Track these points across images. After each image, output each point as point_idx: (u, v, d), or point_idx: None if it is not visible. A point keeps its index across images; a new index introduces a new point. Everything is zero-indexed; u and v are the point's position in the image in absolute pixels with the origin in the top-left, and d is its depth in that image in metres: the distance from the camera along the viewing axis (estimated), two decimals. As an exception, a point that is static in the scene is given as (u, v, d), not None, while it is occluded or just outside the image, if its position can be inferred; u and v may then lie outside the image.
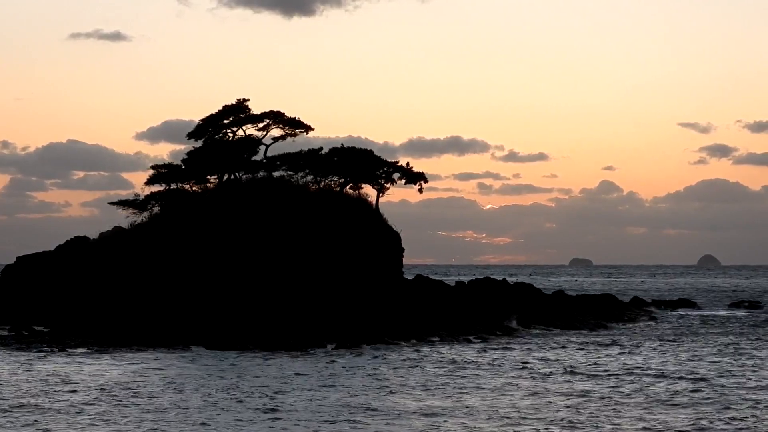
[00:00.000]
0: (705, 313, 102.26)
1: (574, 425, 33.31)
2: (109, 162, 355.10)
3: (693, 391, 41.09)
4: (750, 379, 44.86)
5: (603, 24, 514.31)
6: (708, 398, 38.91)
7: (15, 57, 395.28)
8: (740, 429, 32.83)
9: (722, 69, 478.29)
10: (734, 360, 54.01)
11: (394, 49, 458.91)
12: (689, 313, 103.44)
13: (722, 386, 42.59)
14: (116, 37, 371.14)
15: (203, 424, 33.55)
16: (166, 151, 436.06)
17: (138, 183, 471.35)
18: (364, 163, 75.52)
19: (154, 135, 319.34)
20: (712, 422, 33.75)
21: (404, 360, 52.55)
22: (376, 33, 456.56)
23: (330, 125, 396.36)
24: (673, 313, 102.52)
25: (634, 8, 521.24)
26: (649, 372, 47.91)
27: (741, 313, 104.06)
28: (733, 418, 34.51)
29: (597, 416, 34.77)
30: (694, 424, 33.48)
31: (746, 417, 34.73)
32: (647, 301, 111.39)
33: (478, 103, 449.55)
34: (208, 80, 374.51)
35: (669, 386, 42.56)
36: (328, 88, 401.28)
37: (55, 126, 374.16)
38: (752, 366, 50.56)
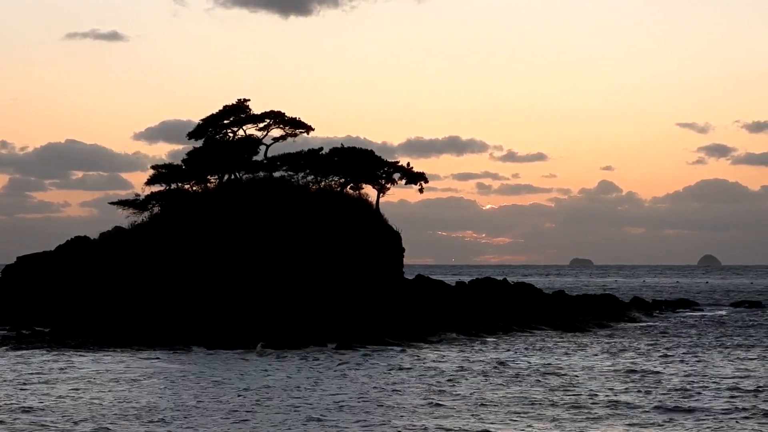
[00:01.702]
0: (705, 314, 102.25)
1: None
2: (107, 162, 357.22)
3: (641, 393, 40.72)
4: (729, 383, 44.11)
5: (601, 24, 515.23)
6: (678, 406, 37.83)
7: (12, 57, 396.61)
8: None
9: (720, 69, 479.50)
10: (720, 362, 53.78)
11: (392, 49, 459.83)
12: (689, 313, 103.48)
13: (688, 389, 42.03)
14: (113, 37, 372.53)
15: (192, 420, 33.61)
16: (164, 151, 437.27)
17: (137, 183, 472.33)
18: (364, 163, 75.70)
19: (152, 135, 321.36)
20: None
21: (402, 361, 52.59)
22: (373, 33, 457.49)
23: (328, 125, 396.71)
24: (674, 313, 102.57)
25: (632, 9, 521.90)
26: (600, 372, 47.74)
27: (741, 313, 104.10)
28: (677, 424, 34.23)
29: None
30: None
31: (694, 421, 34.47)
32: (648, 302, 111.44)
33: (477, 103, 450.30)
34: (206, 80, 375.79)
35: (623, 388, 42.32)
36: (326, 88, 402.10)
37: (54, 126, 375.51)
38: (740, 369, 50.00)
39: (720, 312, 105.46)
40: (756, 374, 47.74)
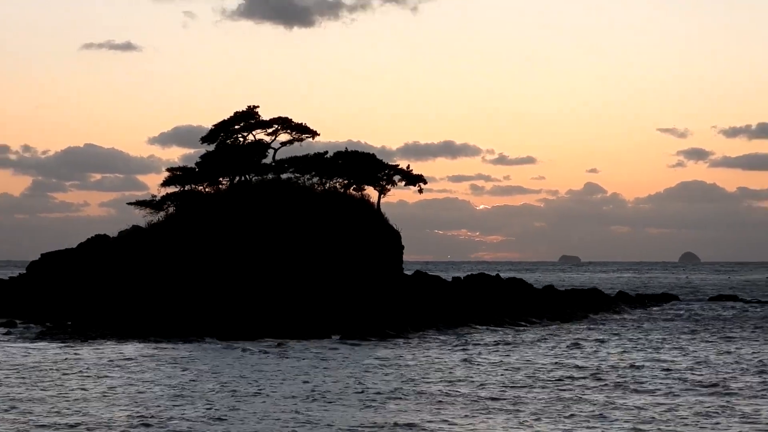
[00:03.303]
0: (684, 307, 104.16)
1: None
2: (123, 165, 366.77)
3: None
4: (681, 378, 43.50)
5: (587, 38, 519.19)
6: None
7: (34, 68, 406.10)
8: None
9: (699, 77, 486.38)
10: (693, 353, 54.60)
11: (390, 58, 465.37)
12: (670, 306, 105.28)
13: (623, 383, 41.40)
14: (127, 47, 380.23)
15: (199, 409, 34.31)
16: (176, 155, 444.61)
17: (151, 184, 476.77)
18: (366, 165, 77.84)
19: (165, 139, 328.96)
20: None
21: (402, 351, 53.52)
22: (372, 44, 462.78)
23: (330, 130, 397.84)
24: (656, 306, 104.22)
25: (617, 21, 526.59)
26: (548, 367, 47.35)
27: (720, 306, 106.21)
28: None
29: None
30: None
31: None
32: (631, 296, 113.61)
33: (470, 110, 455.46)
34: (214, 88, 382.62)
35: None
36: (328, 96, 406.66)
37: (73, 131, 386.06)
38: (698, 361, 49.99)
39: (698, 305, 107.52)
40: (719, 364, 48.93)
